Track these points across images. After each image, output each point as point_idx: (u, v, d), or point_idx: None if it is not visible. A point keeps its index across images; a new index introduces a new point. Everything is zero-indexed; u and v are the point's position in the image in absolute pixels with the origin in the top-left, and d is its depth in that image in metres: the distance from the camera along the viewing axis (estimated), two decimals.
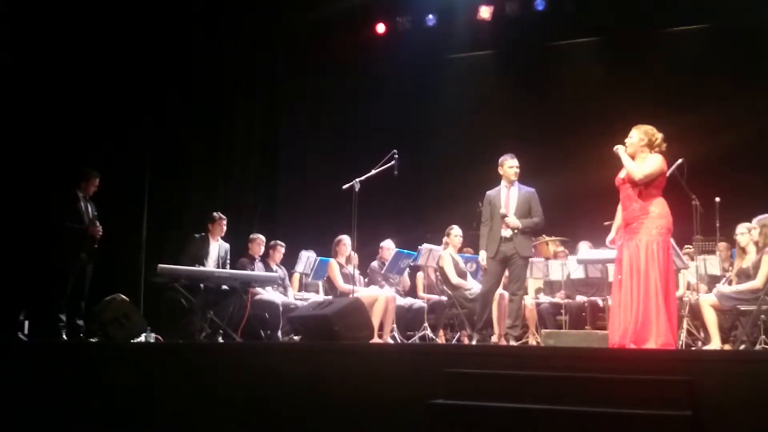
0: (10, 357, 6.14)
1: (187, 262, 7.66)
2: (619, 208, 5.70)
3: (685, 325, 7.04)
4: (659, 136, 5.52)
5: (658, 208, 5.41)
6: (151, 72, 9.06)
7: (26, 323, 7.41)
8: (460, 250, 8.22)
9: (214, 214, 8.07)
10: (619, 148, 5.58)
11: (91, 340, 6.87)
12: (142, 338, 6.90)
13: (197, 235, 7.97)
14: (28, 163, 7.96)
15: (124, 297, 6.91)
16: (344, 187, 7.14)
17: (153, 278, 7.39)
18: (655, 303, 5.22)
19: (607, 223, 7.08)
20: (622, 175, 5.56)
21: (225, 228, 8.08)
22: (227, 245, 8.15)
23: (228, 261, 8.09)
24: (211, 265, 7.87)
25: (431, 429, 4.46)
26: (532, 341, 7.61)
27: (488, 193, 6.90)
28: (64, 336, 7.05)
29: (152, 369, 5.70)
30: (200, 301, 7.50)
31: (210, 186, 9.78)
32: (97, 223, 7.28)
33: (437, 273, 8.13)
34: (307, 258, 8.49)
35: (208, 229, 8.01)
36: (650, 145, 5.50)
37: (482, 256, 6.77)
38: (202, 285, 7.57)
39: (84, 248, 7.21)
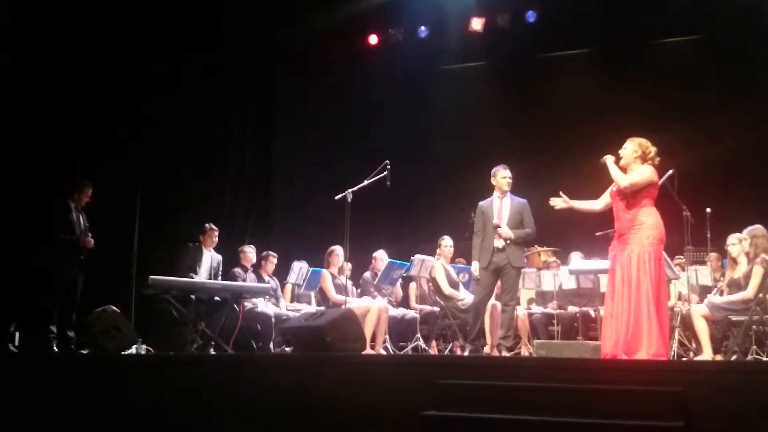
0: (0, 369, 6.09)
1: (182, 271, 7.65)
2: (599, 200, 5.70)
3: (676, 336, 7.06)
4: (653, 149, 5.55)
5: (650, 218, 5.42)
6: (144, 82, 9.06)
7: (17, 335, 7.36)
8: (452, 261, 8.23)
9: (206, 225, 8.07)
10: (607, 158, 5.60)
11: (82, 351, 6.83)
12: (133, 350, 6.86)
13: (191, 245, 7.97)
14: (19, 174, 7.93)
15: (114, 308, 6.88)
16: (337, 197, 7.14)
17: (144, 289, 7.36)
18: (646, 313, 5.22)
19: (599, 233, 7.13)
20: (615, 187, 5.57)
21: (216, 239, 8.07)
22: (219, 256, 8.14)
23: (220, 272, 8.08)
24: (203, 275, 7.86)
25: None
26: (524, 352, 7.62)
27: (481, 203, 6.92)
28: (55, 347, 7.01)
29: (143, 381, 5.67)
30: (192, 312, 7.48)
31: (202, 197, 9.76)
32: (89, 235, 7.25)
33: (430, 283, 8.13)
34: (299, 269, 8.47)
35: (200, 240, 8.01)
36: (643, 158, 5.52)
37: (475, 266, 6.78)
38: (193, 296, 7.54)
39: (75, 259, 7.18)
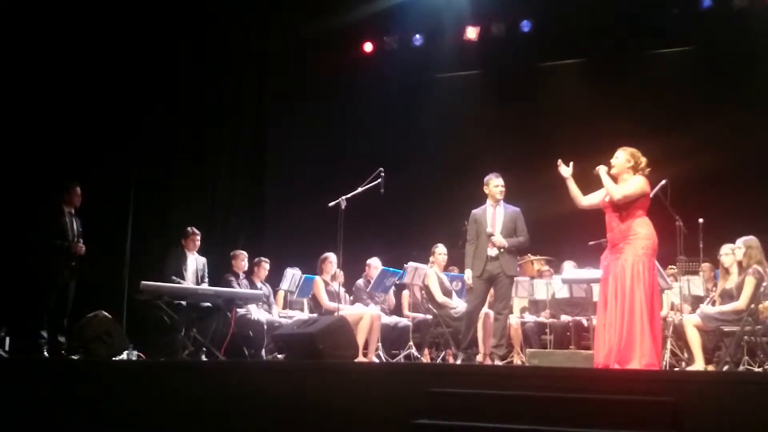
0: None
1: (168, 275, 7.63)
2: (587, 197, 5.69)
3: (668, 346, 7.07)
4: (644, 160, 5.56)
5: (644, 228, 5.43)
6: (138, 90, 9.05)
7: (7, 339, 7.32)
8: (445, 269, 8.23)
9: (188, 228, 8.02)
10: (600, 169, 5.59)
11: (73, 357, 6.80)
12: (124, 356, 6.84)
13: (175, 248, 7.96)
14: (11, 179, 7.91)
15: (106, 314, 6.85)
16: (330, 204, 7.14)
17: (136, 295, 7.33)
18: (639, 323, 5.22)
19: (591, 242, 7.15)
20: (608, 198, 5.58)
21: (198, 243, 8.03)
22: (204, 259, 8.11)
23: (206, 274, 8.04)
24: (190, 278, 7.83)
25: None
26: (516, 361, 7.61)
27: (474, 211, 6.92)
28: (46, 353, 6.97)
29: (134, 387, 5.64)
30: (183, 318, 7.45)
31: (195, 203, 9.74)
32: (81, 241, 7.22)
33: (423, 291, 8.12)
34: (292, 275, 8.46)
35: (182, 244, 7.98)
36: (635, 168, 5.54)
37: (468, 274, 6.78)
38: (184, 302, 7.51)
39: (67, 265, 7.15)
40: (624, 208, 5.46)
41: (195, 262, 8.00)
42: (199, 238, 8.04)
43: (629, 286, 5.30)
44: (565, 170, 5.74)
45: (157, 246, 8.74)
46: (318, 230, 8.80)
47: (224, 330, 7.68)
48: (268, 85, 10.70)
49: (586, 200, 5.71)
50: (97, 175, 8.27)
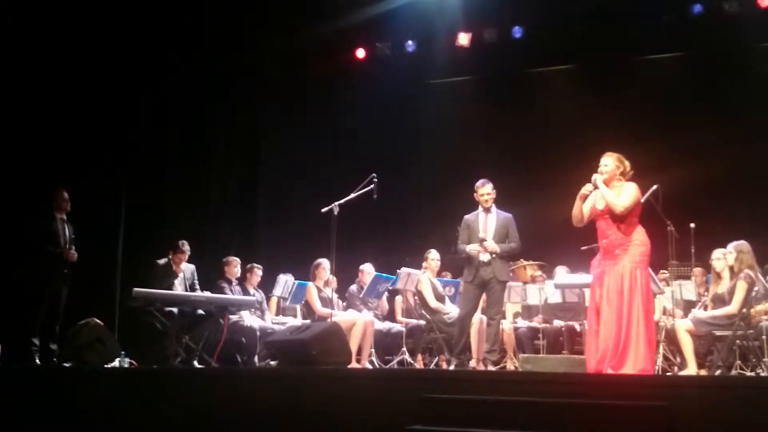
0: None
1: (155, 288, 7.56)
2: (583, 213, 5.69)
3: (661, 350, 7.08)
4: (628, 164, 5.60)
5: (640, 235, 5.45)
6: (128, 96, 9.04)
7: None
8: (438, 274, 8.23)
9: (179, 243, 7.85)
10: (597, 179, 5.58)
11: (65, 364, 6.77)
12: (116, 363, 6.81)
13: (160, 262, 7.80)
14: (3, 185, 7.88)
15: (98, 321, 6.84)
16: (323, 210, 7.14)
17: (128, 302, 7.30)
18: (636, 329, 5.24)
19: (584, 248, 7.16)
20: (600, 206, 5.57)
21: (186, 258, 7.90)
22: (192, 266, 7.99)
23: (196, 282, 7.98)
24: (179, 288, 7.78)
25: None
26: (510, 366, 7.61)
27: (466, 217, 6.92)
28: (38, 360, 6.94)
29: (126, 394, 5.62)
30: (175, 325, 7.42)
31: (187, 209, 9.72)
32: (73, 248, 7.19)
33: (416, 297, 8.12)
34: (285, 281, 8.44)
35: (170, 257, 7.84)
36: (624, 174, 5.57)
37: (472, 246, 6.67)
38: (176, 309, 7.47)
39: (59, 272, 7.12)
40: (620, 217, 5.47)
41: (182, 272, 7.89)
42: (188, 255, 7.88)
43: (627, 292, 5.31)
44: (588, 189, 5.63)
45: (150, 251, 8.70)
46: (311, 236, 8.80)
47: (217, 336, 7.65)
48: (260, 92, 10.69)
49: (584, 219, 5.68)
50: (88, 181, 8.25)
